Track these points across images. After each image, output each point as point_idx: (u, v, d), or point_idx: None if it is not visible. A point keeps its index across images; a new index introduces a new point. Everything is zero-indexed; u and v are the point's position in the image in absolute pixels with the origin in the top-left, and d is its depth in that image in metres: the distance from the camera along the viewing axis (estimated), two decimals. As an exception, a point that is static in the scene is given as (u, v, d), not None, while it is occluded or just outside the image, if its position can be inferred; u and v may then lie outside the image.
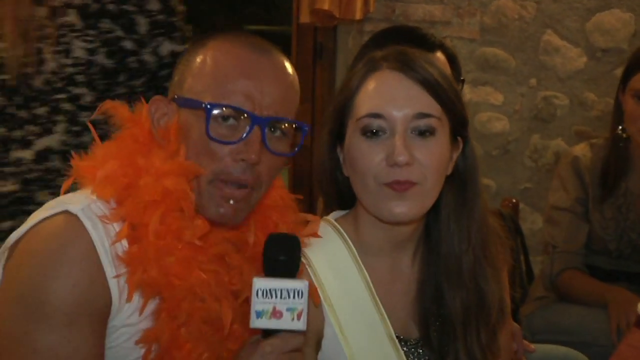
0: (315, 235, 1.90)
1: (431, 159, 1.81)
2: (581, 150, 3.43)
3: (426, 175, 1.80)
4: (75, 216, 1.59)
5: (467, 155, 1.92)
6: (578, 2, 4.28)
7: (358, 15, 4.16)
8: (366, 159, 1.81)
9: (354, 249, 1.91)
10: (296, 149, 1.76)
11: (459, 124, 1.89)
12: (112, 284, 1.59)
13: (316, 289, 1.85)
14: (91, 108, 2.37)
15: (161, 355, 1.65)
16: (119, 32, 2.42)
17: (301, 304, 1.57)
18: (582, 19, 4.31)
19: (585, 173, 3.38)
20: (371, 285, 1.90)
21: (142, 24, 2.42)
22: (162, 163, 1.66)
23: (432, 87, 1.83)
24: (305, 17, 4.18)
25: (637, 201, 3.36)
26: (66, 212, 1.61)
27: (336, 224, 1.96)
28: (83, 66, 2.40)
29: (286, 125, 1.73)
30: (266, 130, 1.69)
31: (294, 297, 1.57)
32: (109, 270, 1.59)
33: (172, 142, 1.68)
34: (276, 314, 1.57)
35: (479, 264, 1.91)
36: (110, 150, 1.70)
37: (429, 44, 2.52)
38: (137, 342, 1.64)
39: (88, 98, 2.41)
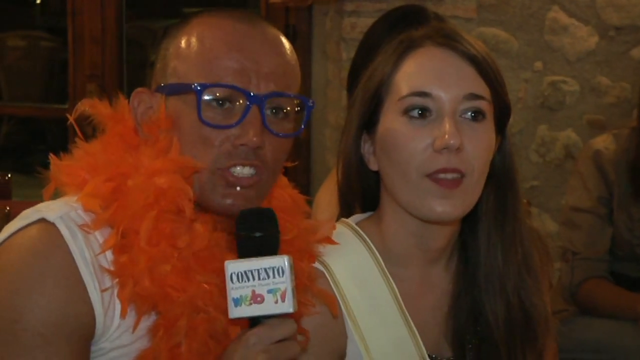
0: (329, 241, 1.85)
1: (480, 148, 1.78)
2: (603, 142, 3.30)
3: (474, 166, 1.77)
4: (52, 224, 1.56)
5: (506, 152, 1.89)
6: (588, -26, 4.25)
7: (336, -8, 4.04)
8: (410, 144, 1.76)
9: (379, 258, 1.85)
10: (302, 126, 1.74)
11: (503, 113, 1.85)
12: (96, 300, 1.55)
13: (334, 298, 1.80)
14: None
15: None
16: None
17: (283, 282, 1.51)
18: (592, -7, 4.22)
19: (609, 169, 3.25)
20: (400, 299, 1.84)
21: None
22: (151, 161, 1.62)
23: (481, 66, 1.80)
24: (274, -5, 4.08)
25: (671, 199, 3.29)
26: (42, 221, 1.57)
27: (358, 228, 1.89)
28: None
29: (288, 103, 1.70)
30: (265, 109, 1.65)
31: (274, 276, 1.51)
32: (91, 285, 1.55)
33: (161, 136, 1.64)
34: (256, 298, 1.51)
35: (521, 277, 1.87)
36: (93, 152, 1.66)
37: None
38: None
39: None
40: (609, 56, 4.21)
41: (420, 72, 1.80)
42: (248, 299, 1.51)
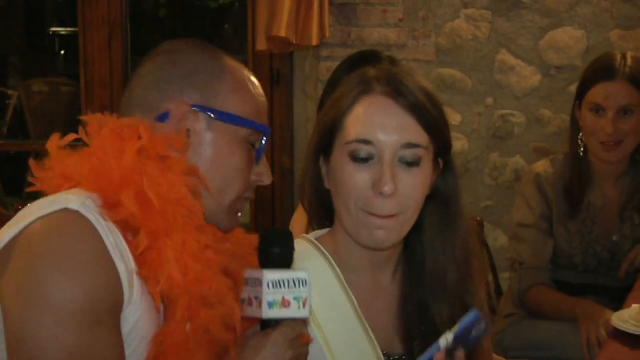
0: None
1: (414, 191, 1.83)
2: (542, 166, 3.37)
3: (409, 205, 1.82)
4: (77, 212, 1.52)
5: (448, 176, 1.93)
6: (530, 21, 4.23)
7: (314, 41, 4.10)
8: (352, 182, 1.82)
9: (337, 267, 1.89)
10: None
11: (442, 148, 1.89)
12: (123, 278, 1.53)
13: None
14: None
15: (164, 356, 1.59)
16: None
17: (305, 292, 1.60)
18: (535, 38, 4.26)
19: (547, 189, 3.32)
20: (356, 304, 1.87)
21: None
22: (162, 172, 1.61)
23: (421, 114, 1.83)
24: (261, 45, 4.09)
25: (600, 214, 3.30)
26: (65, 210, 1.53)
27: (317, 242, 1.93)
28: None
29: None
30: None
31: (299, 285, 1.60)
32: (120, 265, 1.52)
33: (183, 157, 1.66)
34: (285, 303, 1.59)
35: (462, 280, 1.92)
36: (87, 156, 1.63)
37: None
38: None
39: None
40: (551, 92, 4.29)
41: (365, 120, 1.84)
42: (279, 303, 1.59)
